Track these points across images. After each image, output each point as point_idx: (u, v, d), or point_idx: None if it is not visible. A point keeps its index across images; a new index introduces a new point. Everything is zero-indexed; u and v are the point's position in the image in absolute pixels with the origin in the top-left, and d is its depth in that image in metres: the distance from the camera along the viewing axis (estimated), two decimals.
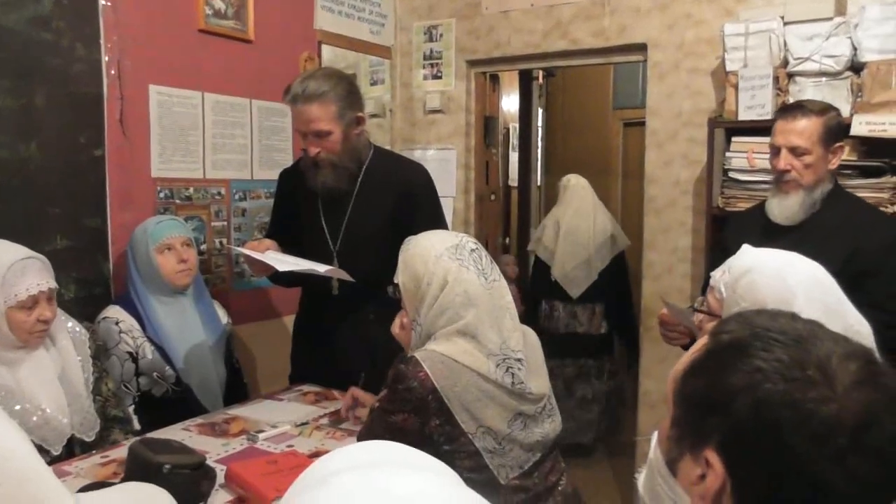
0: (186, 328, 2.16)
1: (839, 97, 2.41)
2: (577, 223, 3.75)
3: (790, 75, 2.51)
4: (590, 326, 3.80)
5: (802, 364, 0.68)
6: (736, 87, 2.54)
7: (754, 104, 2.47)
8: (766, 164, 2.44)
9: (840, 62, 2.40)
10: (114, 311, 2.10)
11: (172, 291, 2.14)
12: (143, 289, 2.12)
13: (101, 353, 1.95)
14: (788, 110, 1.99)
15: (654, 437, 0.83)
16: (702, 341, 0.78)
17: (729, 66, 2.61)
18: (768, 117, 2.46)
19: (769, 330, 0.72)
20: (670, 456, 0.77)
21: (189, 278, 2.16)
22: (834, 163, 1.96)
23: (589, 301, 3.75)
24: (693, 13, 2.86)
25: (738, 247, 2.02)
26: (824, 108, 1.96)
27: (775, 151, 1.96)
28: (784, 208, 1.95)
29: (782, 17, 2.54)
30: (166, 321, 2.12)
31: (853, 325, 1.17)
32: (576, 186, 3.86)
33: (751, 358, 0.70)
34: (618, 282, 3.81)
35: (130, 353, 2.05)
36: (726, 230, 2.22)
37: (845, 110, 2.40)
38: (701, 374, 0.74)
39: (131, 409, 2.02)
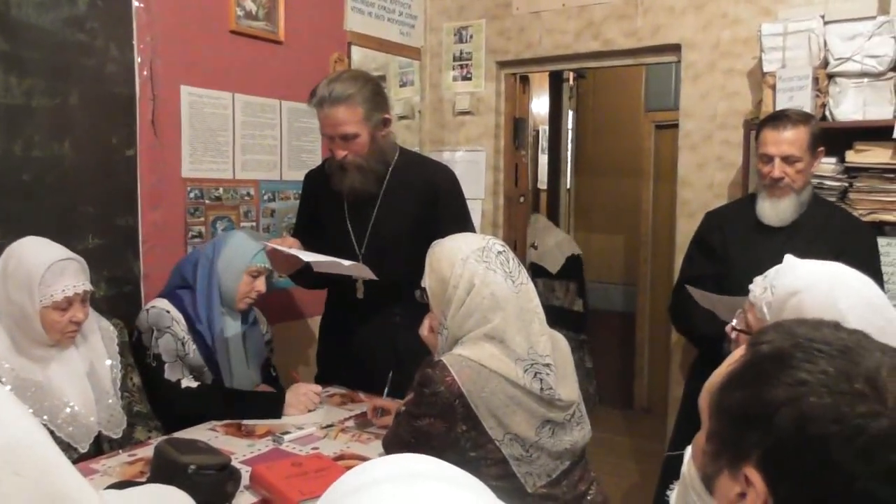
0: (230, 334, 2.14)
1: (882, 99, 2.34)
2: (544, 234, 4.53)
3: (830, 76, 2.43)
4: (565, 301, 4.38)
5: (850, 376, 0.65)
6: (773, 88, 2.47)
7: (792, 106, 2.40)
8: None
9: (883, 62, 2.32)
10: (162, 303, 2.07)
11: (230, 306, 2.13)
12: (214, 287, 2.09)
13: (139, 341, 1.98)
14: (776, 120, 2.09)
15: (688, 451, 0.79)
16: (739, 352, 0.75)
17: (766, 67, 2.54)
18: None
19: (812, 340, 0.69)
20: (706, 472, 0.74)
21: (249, 307, 2.17)
22: (816, 166, 2.14)
23: (563, 278, 4.36)
24: (729, 13, 2.79)
25: (724, 246, 2.21)
26: (807, 117, 2.12)
27: (767, 160, 2.07)
28: (779, 211, 2.09)
29: (823, 16, 2.47)
30: (216, 323, 2.12)
31: None
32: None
33: (794, 370, 0.67)
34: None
35: (179, 339, 2.05)
36: (707, 229, 2.32)
37: (888, 112, 2.33)
38: (739, 387, 0.71)
39: (188, 379, 2.02)
